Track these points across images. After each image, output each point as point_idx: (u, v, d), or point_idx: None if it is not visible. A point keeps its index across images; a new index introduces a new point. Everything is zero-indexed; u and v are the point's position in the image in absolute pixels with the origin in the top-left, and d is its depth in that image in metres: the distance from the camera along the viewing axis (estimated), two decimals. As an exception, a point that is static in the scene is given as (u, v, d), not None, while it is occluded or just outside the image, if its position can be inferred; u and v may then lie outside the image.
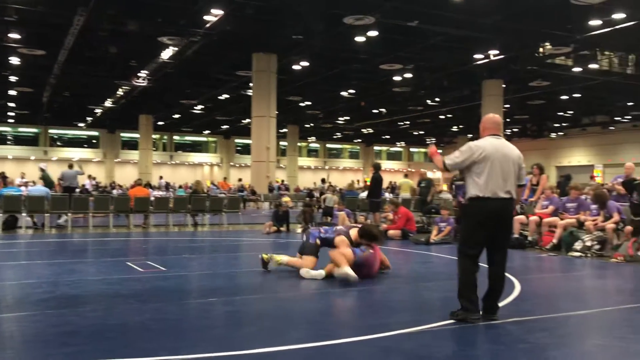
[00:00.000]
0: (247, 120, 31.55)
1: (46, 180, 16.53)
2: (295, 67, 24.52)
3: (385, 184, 34.52)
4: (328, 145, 61.07)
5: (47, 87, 29.21)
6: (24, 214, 14.26)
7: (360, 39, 19.95)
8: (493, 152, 4.91)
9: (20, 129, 48.87)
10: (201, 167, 56.23)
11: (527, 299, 6.02)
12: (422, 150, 65.01)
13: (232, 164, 55.87)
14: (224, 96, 32.47)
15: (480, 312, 4.87)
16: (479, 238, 4.90)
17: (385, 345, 4.23)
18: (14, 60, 23.67)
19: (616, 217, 9.99)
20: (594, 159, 45.18)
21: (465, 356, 4.03)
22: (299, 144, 51.29)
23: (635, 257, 9.22)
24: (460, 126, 46.32)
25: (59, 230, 14.30)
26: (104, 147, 51.14)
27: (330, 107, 37.05)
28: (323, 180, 30.28)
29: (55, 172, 20.45)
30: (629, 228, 9.60)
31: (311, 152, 60.97)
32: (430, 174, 62.46)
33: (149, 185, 25.04)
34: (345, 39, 20.21)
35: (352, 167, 60.96)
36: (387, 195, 24.34)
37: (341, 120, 43.59)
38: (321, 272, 7.01)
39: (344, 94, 31.98)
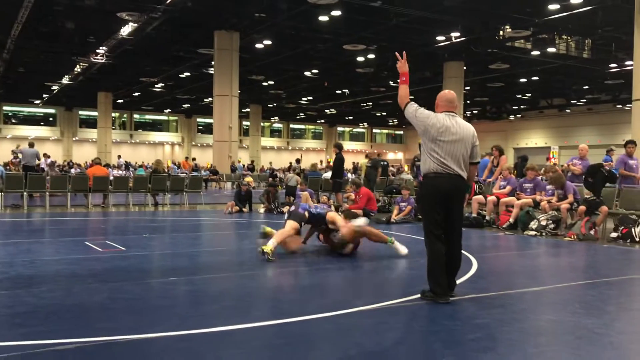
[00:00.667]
0: (209, 99, 31.16)
1: None
2: (258, 45, 24.28)
3: (349, 165, 34.76)
4: (291, 126, 60.91)
5: (0, 63, 28.19)
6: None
7: (323, 18, 19.85)
8: (445, 129, 4.91)
9: (-28, 106, 47.27)
10: (162, 147, 55.43)
11: (483, 277, 6.17)
12: (385, 131, 65.46)
13: (193, 143, 55.23)
14: (185, 74, 31.97)
15: (449, 295, 4.89)
16: (437, 216, 4.91)
17: (345, 322, 4.28)
18: (-36, 34, 22.79)
19: (570, 197, 10.29)
20: (550, 140, 46.31)
21: (422, 332, 4.12)
22: (262, 123, 50.99)
23: (587, 235, 9.53)
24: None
25: (14, 209, 13.93)
26: (61, 125, 49.84)
27: (294, 87, 36.86)
28: (298, 161, 30.22)
29: (7, 150, 19.86)
30: (582, 208, 9.90)
31: (274, 132, 60.71)
32: (391, 155, 63.05)
33: (107, 165, 24.53)
34: (308, 18, 20.08)
35: (315, 148, 61.02)
36: (350, 176, 24.48)
37: (304, 100, 43.45)
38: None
39: (307, 74, 31.83)
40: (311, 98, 42.25)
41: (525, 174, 11.67)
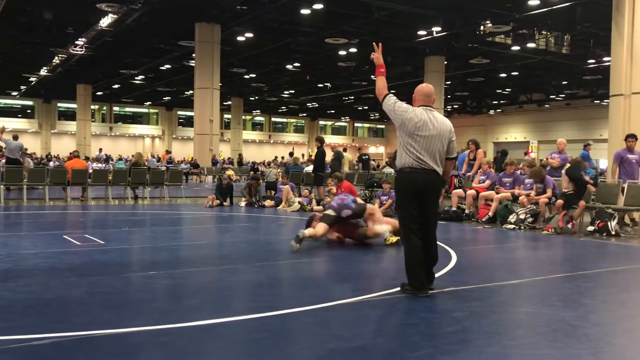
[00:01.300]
0: (190, 92, 30.93)
1: None
2: (240, 38, 24.15)
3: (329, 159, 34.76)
4: (273, 119, 60.74)
5: (-24, 54, 27.73)
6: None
7: (305, 11, 19.81)
8: (422, 124, 4.90)
9: (-53, 97, 46.36)
10: (142, 139, 54.91)
11: (462, 270, 6.23)
12: (366, 125, 65.60)
13: (174, 136, 54.82)
14: (166, 67, 31.70)
15: (428, 289, 4.91)
16: (413, 211, 4.90)
17: (326, 315, 4.30)
18: (-61, 24, 22.31)
19: (549, 192, 10.41)
20: (529, 135, 46.79)
21: (401, 325, 4.15)
22: (243, 117, 50.75)
23: (565, 229, 9.67)
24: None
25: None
26: (40, 117, 49.13)
27: (275, 80, 36.74)
28: (291, 154, 30.08)
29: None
30: (559, 202, 10.04)
31: (256, 126, 60.49)
32: (373, 149, 63.15)
33: (86, 157, 24.25)
34: (290, 11, 20.01)
35: (297, 141, 60.93)
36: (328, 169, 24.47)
37: (286, 93, 43.35)
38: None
39: (289, 67, 31.75)
40: (293, 91, 42.17)
41: (505, 168, 11.79)
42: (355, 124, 64.58)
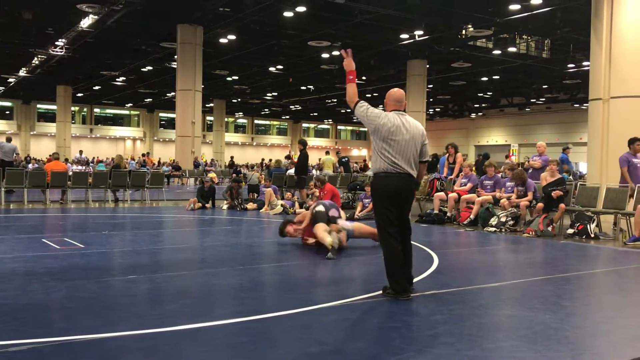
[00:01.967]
0: (172, 94, 30.73)
1: None
2: (222, 40, 24.05)
3: (314, 161, 34.74)
4: (256, 121, 60.59)
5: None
6: None
7: (288, 14, 19.78)
8: (396, 129, 4.93)
9: None
10: (123, 141, 54.44)
11: (444, 272, 6.26)
12: (349, 128, 65.72)
13: (155, 138, 54.41)
14: (148, 68, 31.46)
15: (409, 292, 4.93)
16: (390, 215, 4.93)
17: (307, 319, 4.29)
18: None
19: (530, 195, 10.52)
20: (510, 138, 47.26)
21: (382, 328, 4.15)
22: (226, 119, 50.55)
23: (545, 232, 9.77)
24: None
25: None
26: (19, 118, 48.48)
27: (258, 82, 36.66)
28: (288, 157, 29.89)
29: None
30: (540, 205, 10.14)
31: (238, 128, 60.29)
32: (355, 152, 63.24)
33: (66, 159, 23.96)
34: (273, 13, 19.97)
35: (280, 144, 60.85)
36: (314, 172, 24.49)
37: (269, 96, 43.26)
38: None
39: (272, 69, 31.70)
40: (276, 94, 42.10)
41: (486, 171, 11.88)
42: (338, 127, 64.67)
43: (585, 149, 14.36)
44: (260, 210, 13.70)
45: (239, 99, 45.24)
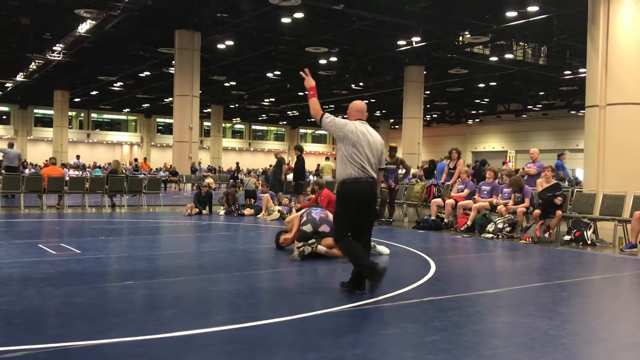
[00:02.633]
0: (169, 99, 30.75)
1: None
2: (220, 46, 24.10)
3: (312, 167, 34.77)
4: (253, 127, 60.64)
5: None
6: None
7: (286, 20, 19.84)
8: (361, 136, 5.21)
9: None
10: (120, 147, 54.40)
11: (441, 279, 6.25)
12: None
13: (153, 143, 54.40)
14: (145, 73, 31.49)
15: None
16: (353, 219, 5.20)
17: (304, 325, 4.28)
18: None
19: (527, 202, 10.53)
20: (507, 145, 47.36)
21: (381, 335, 4.14)
22: (223, 124, 50.57)
23: (542, 238, 9.78)
24: (383, 111, 47.15)
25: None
26: (16, 123, 48.46)
27: (256, 88, 36.71)
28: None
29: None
30: (537, 211, 10.15)
31: (236, 133, 60.31)
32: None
33: (62, 164, 23.91)
34: (271, 19, 20.03)
35: (278, 150, 60.85)
36: (312, 178, 24.50)
37: (267, 101, 43.30)
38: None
39: (269, 75, 31.75)
40: (273, 99, 42.16)
41: (485, 176, 11.90)
42: (336, 133, 64.68)
43: (581, 155, 14.41)
44: (257, 216, 13.69)
45: (237, 105, 45.28)
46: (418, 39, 22.23)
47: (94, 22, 20.18)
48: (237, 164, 39.04)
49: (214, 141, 48.06)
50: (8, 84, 36.62)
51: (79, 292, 5.18)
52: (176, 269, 6.77)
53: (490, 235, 10.33)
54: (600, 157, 12.38)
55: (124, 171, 20.09)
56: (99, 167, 34.99)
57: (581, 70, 24.43)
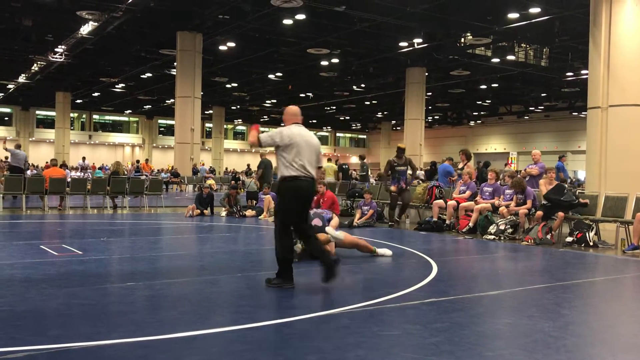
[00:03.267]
0: (171, 101, 30.78)
1: None
2: (222, 47, 24.12)
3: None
4: (254, 128, 60.53)
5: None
6: None
7: (287, 21, 19.85)
8: (299, 139, 5.61)
9: None
10: (122, 148, 54.44)
11: (443, 280, 6.24)
12: (348, 135, 65.80)
13: (154, 145, 54.41)
14: (147, 75, 31.50)
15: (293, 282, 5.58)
16: (293, 215, 5.61)
17: (306, 326, 4.27)
18: None
19: (529, 203, 10.52)
20: (509, 146, 47.29)
21: (382, 336, 4.13)
22: (225, 126, 50.58)
23: (544, 240, 9.76)
24: (385, 112, 47.15)
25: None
26: (17, 125, 48.50)
27: (257, 89, 36.71)
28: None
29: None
30: (539, 213, 10.13)
31: (237, 135, 60.31)
32: (354, 159, 63.29)
33: (64, 165, 23.91)
34: (272, 21, 20.04)
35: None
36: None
37: (268, 103, 43.31)
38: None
39: (271, 76, 31.76)
40: (275, 101, 42.16)
41: (486, 177, 11.90)
42: (337, 134, 64.73)
43: (584, 157, 14.38)
44: (259, 217, 13.68)
45: (238, 106, 45.30)
46: (420, 40, 22.22)
47: (96, 23, 20.19)
48: (248, 165, 38.90)
49: (216, 143, 48.05)
50: (10, 86, 36.67)
51: (81, 293, 5.18)
52: (178, 270, 6.77)
53: (492, 237, 10.31)
54: (602, 158, 12.36)
55: (126, 172, 20.10)
56: (100, 168, 35.00)
57: (583, 71, 24.41)
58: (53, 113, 42.43)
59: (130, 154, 53.92)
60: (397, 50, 24.05)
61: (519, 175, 12.36)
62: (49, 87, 36.76)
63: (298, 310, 4.69)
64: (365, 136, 65.21)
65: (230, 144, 56.10)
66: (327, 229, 7.53)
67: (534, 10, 18.06)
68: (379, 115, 48.52)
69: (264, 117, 53.33)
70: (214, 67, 27.66)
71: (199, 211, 13.91)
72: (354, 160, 62.28)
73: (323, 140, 64.46)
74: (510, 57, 24.83)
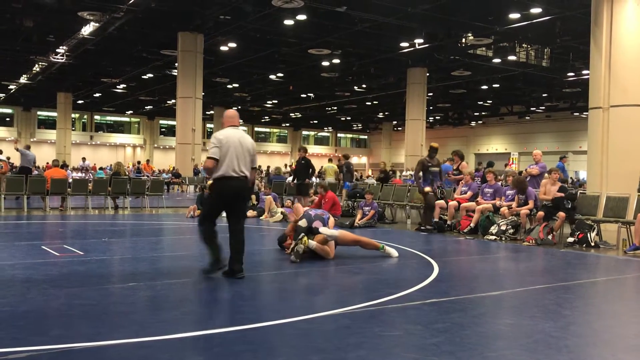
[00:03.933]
0: (172, 101, 30.78)
1: None
2: (223, 48, 24.13)
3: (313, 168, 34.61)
4: (256, 129, 60.64)
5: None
6: None
7: (289, 22, 19.85)
8: (232, 141, 6.01)
9: None
10: (123, 148, 54.45)
11: (444, 281, 6.24)
12: (349, 135, 65.80)
13: (155, 145, 54.42)
14: (148, 75, 31.53)
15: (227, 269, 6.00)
16: (220, 209, 6.21)
17: (307, 327, 4.27)
18: None
19: (531, 204, 10.51)
20: (510, 146, 47.22)
21: (383, 337, 4.13)
22: (225, 126, 50.52)
23: (545, 240, 9.75)
24: (386, 113, 47.14)
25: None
26: (19, 125, 48.52)
27: (259, 90, 36.73)
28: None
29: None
30: (540, 213, 10.13)
31: (238, 135, 60.23)
32: (355, 159, 63.38)
33: (65, 166, 23.93)
34: (273, 21, 20.05)
35: (280, 151, 60.88)
36: (314, 179, 24.48)
37: (269, 103, 43.33)
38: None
39: (272, 77, 31.78)
40: (276, 101, 42.19)
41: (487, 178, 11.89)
42: (338, 134, 64.73)
43: (585, 157, 14.37)
44: (260, 218, 13.68)
45: (239, 107, 45.26)
46: (421, 40, 22.22)
47: (97, 24, 20.21)
48: (268, 167, 38.68)
49: (217, 143, 48.00)
50: (11, 86, 36.71)
51: (82, 293, 5.18)
52: (179, 270, 6.77)
53: (494, 237, 10.31)
54: (603, 158, 12.35)
55: (127, 173, 20.12)
56: (101, 169, 35.01)
57: (584, 72, 24.38)
58: (54, 114, 42.46)
59: (131, 154, 53.94)
60: (398, 51, 24.04)
61: (520, 175, 12.37)
62: (50, 88, 36.79)
63: (299, 310, 4.69)
64: (366, 137, 65.20)
65: (231, 144, 56.02)
66: (321, 229, 7.55)
67: (535, 10, 18.05)
68: (380, 115, 48.50)
69: (265, 117, 53.38)
70: (215, 68, 27.68)
71: (200, 212, 13.89)
72: (355, 160, 62.36)
73: (324, 141, 64.53)
74: (512, 58, 24.81)
